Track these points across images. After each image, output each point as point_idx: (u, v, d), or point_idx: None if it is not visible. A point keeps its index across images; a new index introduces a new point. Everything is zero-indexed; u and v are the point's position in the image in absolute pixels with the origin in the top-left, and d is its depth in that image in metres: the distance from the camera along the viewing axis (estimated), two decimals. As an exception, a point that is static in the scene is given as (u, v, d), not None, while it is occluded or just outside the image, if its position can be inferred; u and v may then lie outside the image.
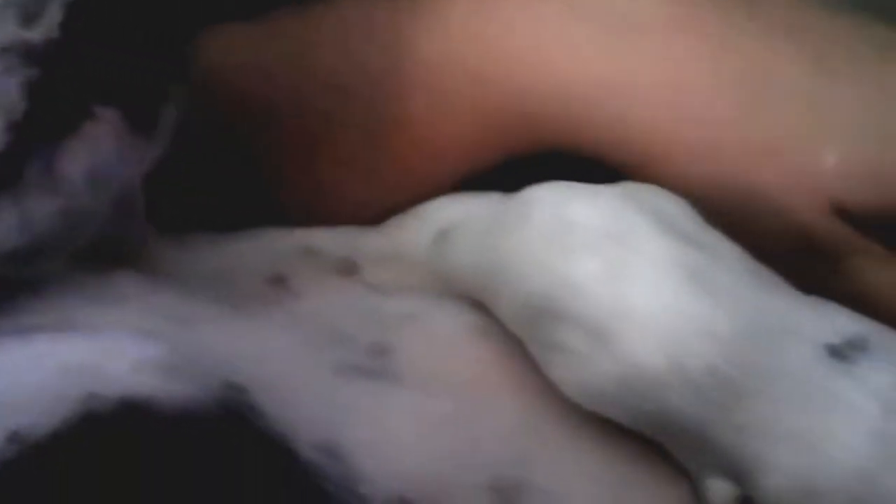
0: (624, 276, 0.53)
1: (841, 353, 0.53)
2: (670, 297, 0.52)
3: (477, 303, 0.58)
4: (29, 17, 0.52)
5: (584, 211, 0.54)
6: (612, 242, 0.53)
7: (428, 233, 0.60)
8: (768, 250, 0.57)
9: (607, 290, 0.53)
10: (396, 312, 0.59)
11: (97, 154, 0.53)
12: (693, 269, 0.53)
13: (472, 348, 0.57)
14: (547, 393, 0.55)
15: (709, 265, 0.53)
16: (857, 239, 0.60)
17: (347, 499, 0.53)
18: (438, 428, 0.55)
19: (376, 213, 0.64)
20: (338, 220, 0.63)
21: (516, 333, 0.56)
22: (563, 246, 0.54)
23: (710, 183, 0.59)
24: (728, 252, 0.54)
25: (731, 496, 0.54)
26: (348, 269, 0.61)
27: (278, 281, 0.60)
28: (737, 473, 0.53)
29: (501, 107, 0.62)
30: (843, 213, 0.60)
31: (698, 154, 0.59)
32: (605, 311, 0.53)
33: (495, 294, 0.56)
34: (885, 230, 0.61)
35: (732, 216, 0.58)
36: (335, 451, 0.53)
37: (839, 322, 0.54)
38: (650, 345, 0.52)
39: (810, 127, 0.59)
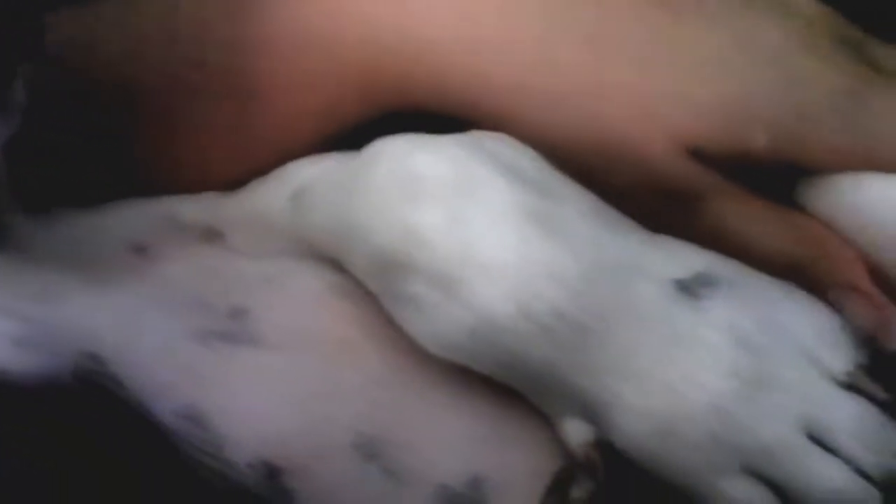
0: (468, 224, 0.53)
1: (690, 289, 0.53)
2: (515, 243, 0.53)
3: (337, 262, 0.58)
4: None
5: (428, 161, 0.54)
6: (456, 191, 0.53)
7: (285, 195, 0.60)
8: (625, 194, 0.57)
9: (452, 239, 0.53)
10: (256, 276, 0.59)
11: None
12: (537, 213, 0.53)
13: (332, 308, 0.57)
14: (406, 347, 0.55)
15: (553, 209, 0.54)
16: (714, 180, 0.60)
17: (211, 464, 0.53)
18: (299, 388, 0.55)
19: (241, 180, 0.64)
20: (203, 190, 0.63)
21: (371, 289, 0.56)
22: (408, 198, 0.54)
23: (562, 130, 0.59)
24: (574, 196, 0.55)
25: (588, 437, 0.54)
26: (211, 235, 0.61)
27: (140, 250, 0.60)
28: (593, 415, 0.53)
29: (360, 69, 0.62)
30: (699, 154, 0.60)
31: (549, 102, 0.60)
32: (451, 260, 0.53)
33: (348, 251, 0.56)
34: (743, 170, 0.61)
35: (587, 162, 0.59)
36: (197, 417, 0.53)
37: (687, 259, 0.54)
38: (497, 291, 0.52)
39: (659, 69, 0.59)
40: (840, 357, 0.54)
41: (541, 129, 0.59)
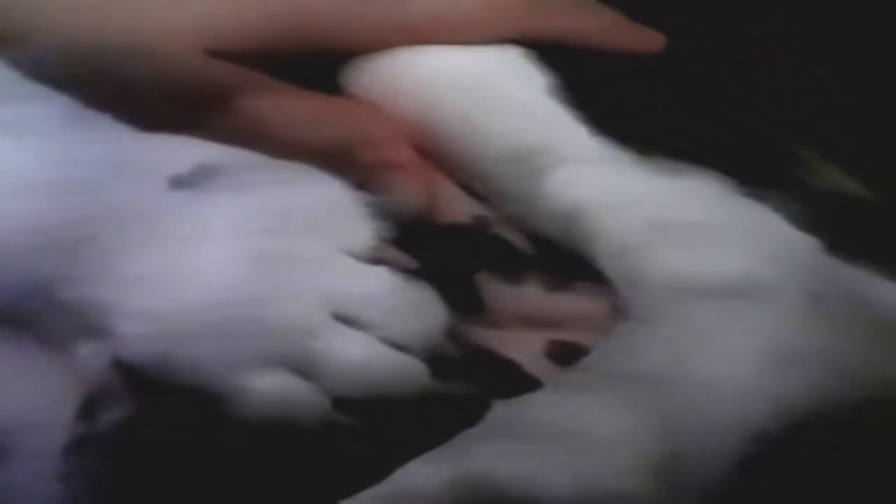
0: None
1: (190, 182, 0.50)
2: None
3: None
4: None
5: None
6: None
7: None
8: (153, 99, 0.54)
9: None
10: None
11: None
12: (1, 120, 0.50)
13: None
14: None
15: (25, 118, 0.50)
16: (244, 75, 0.57)
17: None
18: None
19: None
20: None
21: None
22: None
23: (90, 35, 0.56)
24: (48, 103, 0.51)
25: (102, 357, 0.50)
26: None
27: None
28: (96, 330, 0.50)
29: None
30: (224, 53, 0.57)
31: (79, 11, 0.56)
32: None
33: None
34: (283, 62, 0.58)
35: (116, 70, 0.55)
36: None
37: (185, 153, 0.51)
38: None
39: None
40: (360, 232, 0.51)
41: (71, 35, 0.55)
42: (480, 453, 0.43)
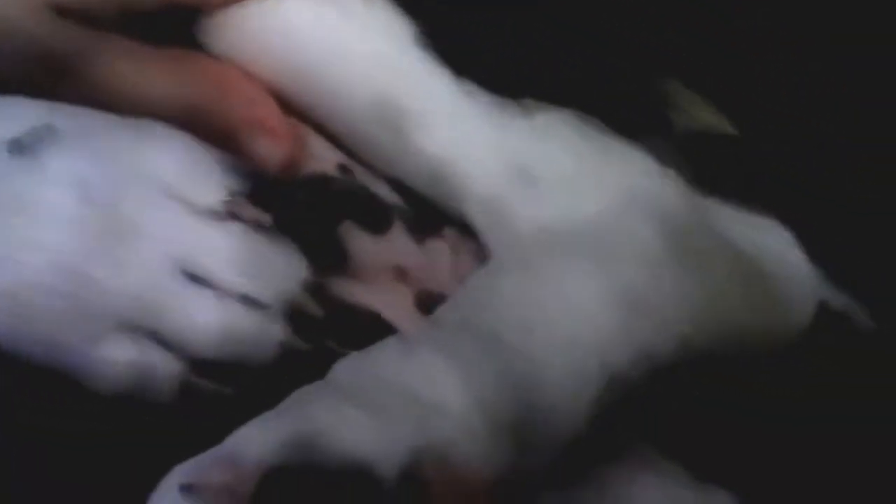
0: None
1: (26, 147, 0.48)
2: None
3: None
4: None
5: None
6: None
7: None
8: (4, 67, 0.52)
9: None
10: None
11: None
12: None
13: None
14: None
15: None
16: (94, 36, 0.55)
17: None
18: None
19: None
20: None
21: None
22: None
23: None
24: None
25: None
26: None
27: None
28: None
29: None
30: (70, 9, 0.55)
31: None
32: None
33: None
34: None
35: None
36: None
37: (20, 116, 0.49)
38: None
39: None
40: (209, 189, 0.49)
41: None
42: (315, 413, 0.42)
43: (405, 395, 0.42)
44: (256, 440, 0.41)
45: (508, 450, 0.42)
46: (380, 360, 0.44)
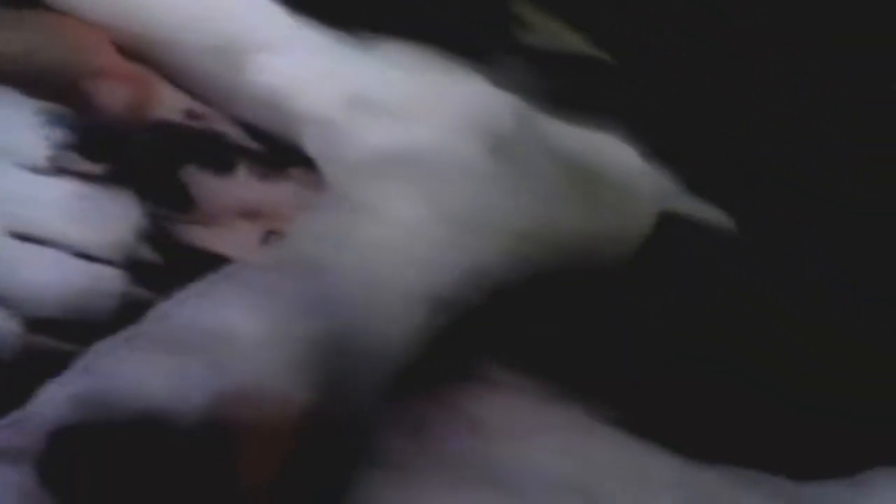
0: None
1: None
2: None
3: None
4: None
5: None
6: None
7: None
8: None
9: None
10: None
11: None
12: None
13: None
14: None
15: None
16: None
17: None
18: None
19: None
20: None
21: None
22: None
23: None
24: None
25: None
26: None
27: None
28: None
29: None
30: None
31: None
32: None
33: None
34: None
35: None
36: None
37: None
38: None
39: None
40: (36, 144, 0.48)
41: None
42: (112, 366, 0.41)
43: (203, 338, 0.42)
44: (50, 400, 0.40)
45: (322, 380, 0.41)
46: (184, 305, 0.44)
